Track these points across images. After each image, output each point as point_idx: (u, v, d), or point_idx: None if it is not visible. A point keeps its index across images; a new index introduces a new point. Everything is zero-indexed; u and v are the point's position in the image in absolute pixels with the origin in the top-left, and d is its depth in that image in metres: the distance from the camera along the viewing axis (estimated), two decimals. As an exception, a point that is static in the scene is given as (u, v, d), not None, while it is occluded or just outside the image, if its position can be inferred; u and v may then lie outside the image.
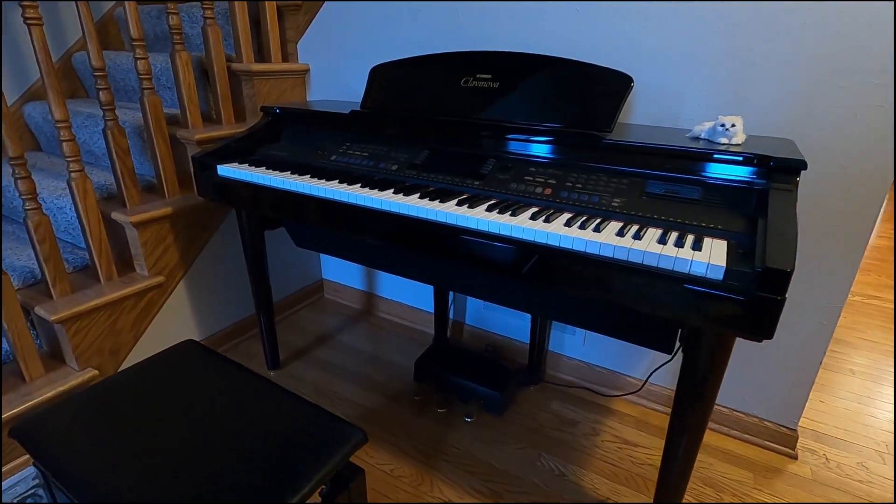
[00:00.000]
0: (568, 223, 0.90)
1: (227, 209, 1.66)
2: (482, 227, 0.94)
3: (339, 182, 1.16)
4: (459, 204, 1.01)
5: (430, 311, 1.90)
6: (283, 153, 1.40)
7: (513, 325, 1.71)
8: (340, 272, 2.11)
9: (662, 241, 0.83)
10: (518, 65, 1.16)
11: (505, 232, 0.91)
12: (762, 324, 0.72)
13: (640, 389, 1.50)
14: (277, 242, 1.91)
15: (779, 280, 0.69)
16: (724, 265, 0.74)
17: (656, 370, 1.46)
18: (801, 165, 0.85)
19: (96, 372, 1.37)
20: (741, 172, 0.90)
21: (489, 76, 1.20)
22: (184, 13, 1.84)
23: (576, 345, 1.61)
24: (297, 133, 1.45)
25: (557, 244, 0.87)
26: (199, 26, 1.84)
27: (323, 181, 1.17)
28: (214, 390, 0.90)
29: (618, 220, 0.93)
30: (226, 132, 1.57)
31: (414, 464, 1.30)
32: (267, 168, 1.29)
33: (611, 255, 0.82)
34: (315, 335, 1.88)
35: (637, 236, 0.85)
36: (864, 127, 1.06)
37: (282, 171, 1.26)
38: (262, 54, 1.75)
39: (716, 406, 1.43)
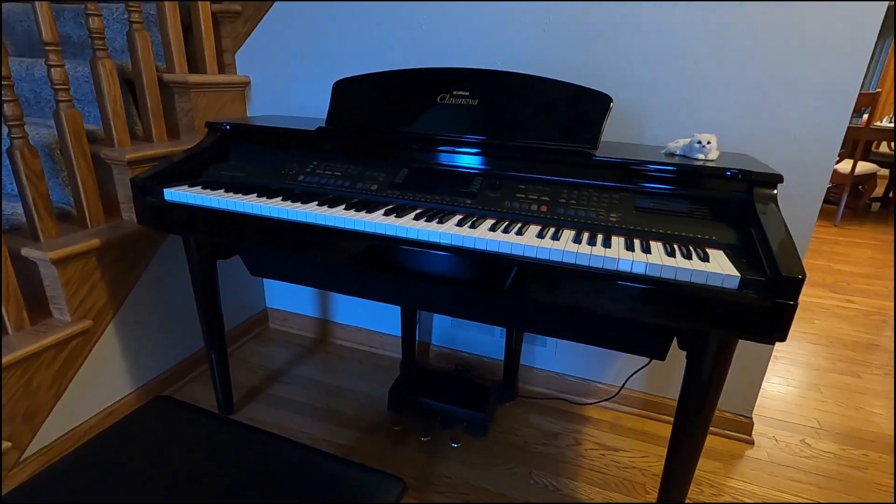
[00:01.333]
0: (576, 240, 0.90)
1: (162, 237, 1.46)
2: (492, 248, 0.91)
3: (319, 205, 1.06)
4: (460, 224, 0.98)
5: (393, 333, 1.82)
6: (239, 174, 1.26)
7: (482, 341, 1.70)
8: (288, 299, 1.96)
9: (671, 254, 0.86)
10: (498, 83, 1.15)
11: (517, 252, 0.89)
12: (778, 328, 0.76)
13: (615, 395, 1.55)
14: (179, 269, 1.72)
15: (794, 287, 0.74)
16: (739, 275, 0.78)
17: (633, 375, 1.52)
18: (779, 179, 0.94)
19: (8, 444, 1.13)
20: (726, 186, 0.97)
21: (467, 93, 1.18)
22: (107, 17, 1.61)
23: (547, 356, 1.63)
24: (250, 152, 1.32)
25: (573, 262, 0.86)
26: (126, 31, 1.62)
27: (299, 204, 1.07)
28: (219, 455, 0.77)
29: (619, 234, 0.96)
30: (161, 151, 1.39)
31: (408, 501, 1.22)
32: (226, 191, 1.15)
33: (629, 270, 0.84)
34: (267, 371, 1.72)
35: (646, 250, 0.87)
36: (800, 143, 1.20)
37: (245, 193, 1.13)
38: (194, 65, 1.58)
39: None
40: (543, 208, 1.03)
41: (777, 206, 0.91)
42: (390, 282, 1.32)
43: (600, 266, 0.85)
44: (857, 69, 1.12)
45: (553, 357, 1.62)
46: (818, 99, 1.16)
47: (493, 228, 0.96)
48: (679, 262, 0.83)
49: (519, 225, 0.98)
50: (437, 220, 1.00)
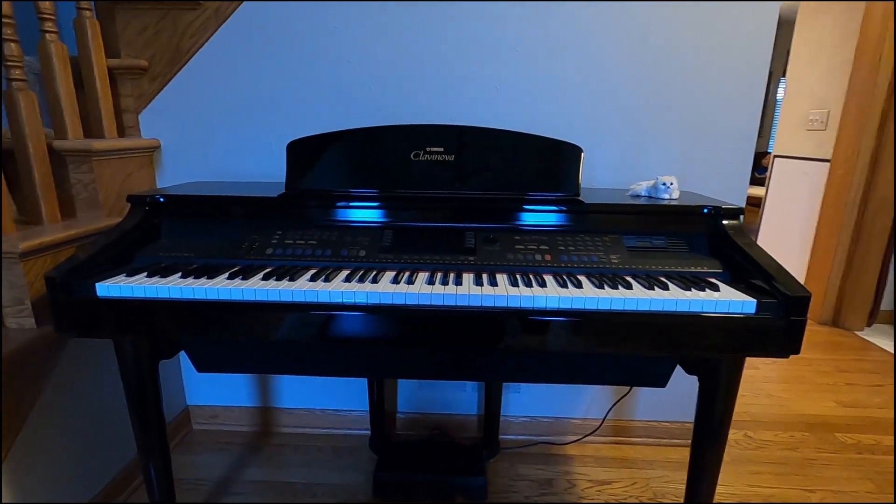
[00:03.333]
0: (600, 285, 0.93)
1: (61, 342, 1.15)
2: (525, 305, 0.88)
3: (312, 279, 0.94)
4: (478, 283, 0.94)
5: (351, 409, 1.65)
6: (187, 254, 1.06)
7: (455, 399, 1.62)
8: (216, 391, 1.66)
9: (686, 288, 0.93)
10: (474, 138, 1.16)
11: (552, 305, 0.88)
12: (793, 342, 0.86)
13: (598, 429, 1.59)
14: (100, 371, 1.39)
15: (804, 305, 0.84)
16: (754, 300, 0.87)
17: (614, 405, 1.58)
18: (741, 211, 1.08)
19: None
20: (700, 221, 1.09)
21: (441, 149, 1.16)
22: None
23: (520, 402, 1.62)
24: (190, 227, 1.12)
25: (609, 307, 0.88)
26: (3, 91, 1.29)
27: (286, 282, 0.92)
28: None
29: (627, 274, 1.01)
30: (61, 235, 1.10)
31: None
32: (183, 276, 0.95)
33: (661, 309, 0.88)
34: (209, 484, 1.42)
35: (664, 286, 0.93)
36: (724, 179, 1.41)
37: (211, 276, 0.95)
38: (87, 129, 1.31)
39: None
40: (548, 257, 1.04)
41: (748, 235, 1.05)
42: (374, 352, 1.20)
43: (634, 308, 0.87)
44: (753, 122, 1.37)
45: (526, 402, 1.61)
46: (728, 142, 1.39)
47: (514, 283, 0.93)
48: (696, 294, 0.89)
49: (532, 276, 0.98)
50: (453, 281, 0.94)
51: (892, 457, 1.60)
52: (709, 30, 1.31)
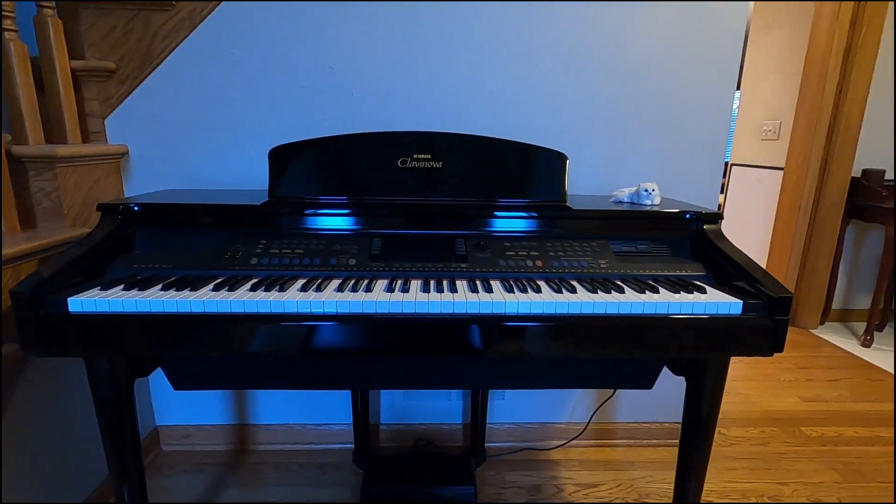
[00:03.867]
0: (593, 290, 0.94)
1: (24, 359, 1.07)
2: (523, 311, 0.88)
3: (304, 290, 0.90)
4: (473, 290, 0.93)
5: (332, 422, 1.60)
6: (164, 265, 1.00)
7: (439, 408, 1.60)
8: (187, 410, 1.58)
9: (676, 290, 0.95)
10: (462, 145, 1.16)
11: (562, 311, 0.88)
12: (778, 341, 0.89)
13: (582, 433, 1.60)
14: (67, 387, 1.30)
15: (787, 305, 0.88)
16: (741, 301, 0.90)
17: (598, 409, 1.60)
18: (720, 216, 1.12)
19: None
20: (682, 226, 1.12)
21: (428, 156, 1.16)
22: None
23: (503, 409, 1.61)
24: (165, 237, 1.07)
25: (605, 311, 0.89)
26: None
27: (276, 293, 0.89)
28: None
29: (617, 279, 1.02)
30: (26, 247, 1.03)
31: None
32: (163, 288, 0.90)
33: (653, 312, 0.89)
34: (184, 509, 1.34)
35: (654, 290, 0.95)
36: (698, 181, 1.46)
37: (193, 288, 0.90)
38: (48, 134, 1.23)
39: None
40: (539, 263, 1.05)
41: (726, 238, 1.09)
42: (364, 363, 1.18)
43: (628, 311, 0.89)
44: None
45: (510, 408, 1.61)
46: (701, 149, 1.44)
47: (509, 290, 0.93)
48: (684, 297, 0.92)
49: (525, 282, 0.98)
50: (448, 288, 0.93)
51: (854, 447, 1.69)
52: (681, 40, 1.36)
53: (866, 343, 2.60)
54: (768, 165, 3.02)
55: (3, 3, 1.08)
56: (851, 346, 2.61)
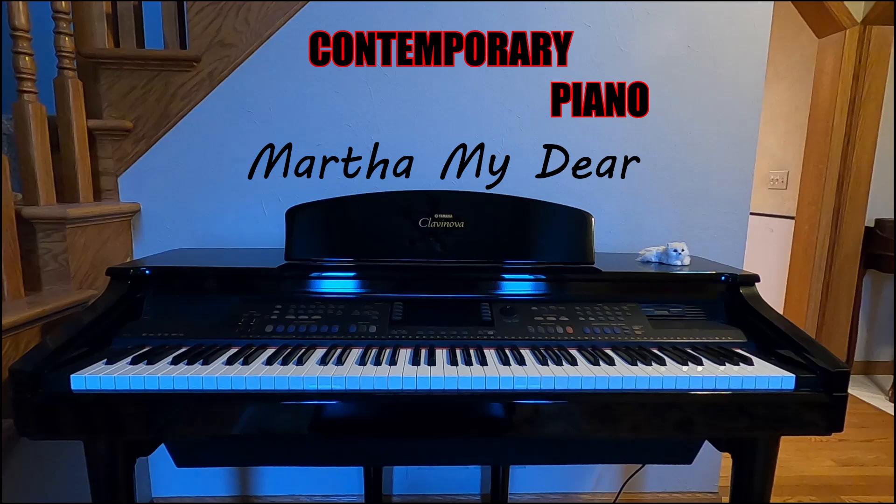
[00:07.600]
0: (632, 361, 0.88)
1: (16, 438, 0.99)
2: (574, 387, 0.81)
3: (323, 363, 0.84)
4: (503, 362, 0.87)
5: (342, 493, 1.49)
6: (174, 333, 0.95)
7: (456, 479, 1.50)
8: (187, 481, 1.48)
9: (720, 363, 0.89)
10: (485, 205, 1.12)
11: (602, 386, 0.81)
12: (838, 418, 0.83)
13: (614, 502, 1.49)
14: (58, 466, 1.21)
15: (845, 379, 0.82)
16: (793, 375, 0.84)
17: (628, 480, 1.49)
18: (756, 279, 1.07)
19: None
20: (717, 289, 1.07)
21: (450, 216, 1.12)
22: None
23: (525, 478, 1.51)
24: (177, 302, 1.02)
25: (647, 387, 0.82)
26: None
27: (293, 367, 0.83)
28: None
29: (654, 347, 0.96)
30: (28, 314, 0.98)
31: None
32: (174, 362, 0.84)
33: (700, 388, 0.83)
34: None
35: (697, 361, 0.89)
36: (718, 243, 1.43)
37: (205, 362, 0.84)
38: (60, 193, 1.20)
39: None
40: (569, 329, 0.99)
41: (765, 302, 1.04)
42: (381, 438, 1.09)
43: (673, 388, 0.83)
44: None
45: (531, 477, 1.51)
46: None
47: (542, 362, 0.87)
48: (730, 369, 0.86)
49: (557, 351, 0.92)
50: (476, 359, 0.87)
51: (901, 520, 1.57)
52: (703, 96, 1.36)
53: (893, 399, 2.49)
54: (779, 214, 3.01)
55: (23, 64, 1.08)
56: (879, 401, 2.50)
